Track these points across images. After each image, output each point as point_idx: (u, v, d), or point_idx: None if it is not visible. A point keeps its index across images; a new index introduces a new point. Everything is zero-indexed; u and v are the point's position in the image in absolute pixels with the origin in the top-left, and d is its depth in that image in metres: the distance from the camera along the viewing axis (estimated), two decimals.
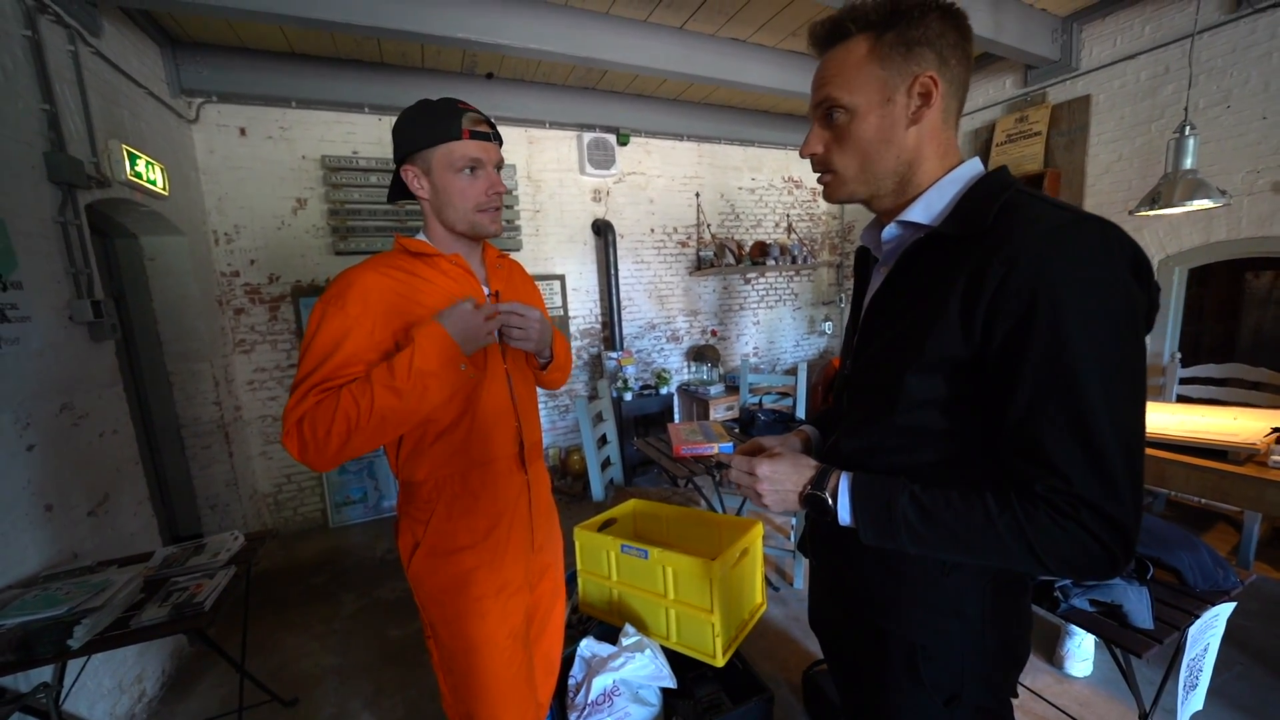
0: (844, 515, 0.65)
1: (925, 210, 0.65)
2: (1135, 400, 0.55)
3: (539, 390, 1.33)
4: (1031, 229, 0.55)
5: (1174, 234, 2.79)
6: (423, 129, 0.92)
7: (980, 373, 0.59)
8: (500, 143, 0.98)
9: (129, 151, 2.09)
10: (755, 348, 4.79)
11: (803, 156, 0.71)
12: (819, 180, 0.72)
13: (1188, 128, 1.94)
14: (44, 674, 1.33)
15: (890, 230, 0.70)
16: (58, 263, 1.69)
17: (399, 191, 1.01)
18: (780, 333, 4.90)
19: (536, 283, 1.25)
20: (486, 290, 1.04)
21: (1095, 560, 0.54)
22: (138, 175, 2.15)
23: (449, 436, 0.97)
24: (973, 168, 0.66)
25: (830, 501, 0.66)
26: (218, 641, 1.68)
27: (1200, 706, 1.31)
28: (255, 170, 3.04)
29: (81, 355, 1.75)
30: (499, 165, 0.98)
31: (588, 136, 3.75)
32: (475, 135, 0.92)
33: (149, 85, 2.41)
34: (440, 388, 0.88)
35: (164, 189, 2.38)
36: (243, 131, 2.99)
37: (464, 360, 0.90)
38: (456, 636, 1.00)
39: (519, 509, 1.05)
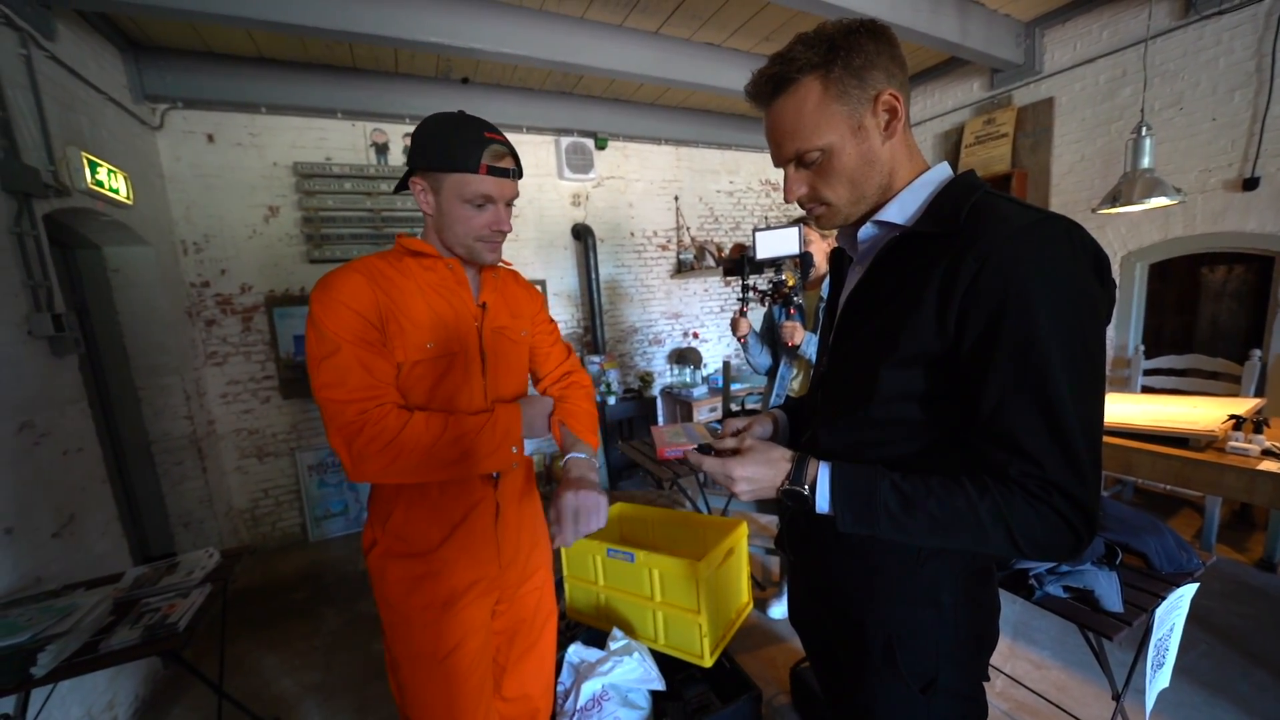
0: (822, 504, 0.66)
1: (900, 211, 0.68)
2: (1096, 390, 0.57)
3: None
4: (1002, 228, 0.57)
5: (1135, 231, 2.90)
6: (440, 149, 0.89)
7: (952, 365, 0.61)
8: (519, 176, 0.96)
9: (89, 159, 2.02)
10: (736, 349, 4.83)
11: (788, 202, 0.72)
12: (811, 213, 0.72)
13: (1144, 128, 2.02)
14: (5, 705, 1.26)
15: (866, 230, 0.71)
16: (14, 275, 1.62)
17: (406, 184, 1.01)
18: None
19: None
20: (477, 300, 1.04)
21: (1063, 541, 0.57)
22: (99, 184, 2.08)
23: None
24: (942, 171, 0.68)
25: (808, 492, 0.66)
26: (194, 663, 1.62)
27: (1167, 684, 1.36)
28: (224, 178, 2.96)
29: (42, 371, 1.68)
30: (511, 200, 0.97)
31: (565, 141, 3.74)
32: (493, 171, 0.91)
33: (109, 91, 2.34)
34: (485, 449, 0.93)
35: (127, 198, 2.31)
36: (210, 138, 2.92)
37: (517, 444, 0.98)
38: (401, 642, 0.99)
39: (480, 521, 1.02)
